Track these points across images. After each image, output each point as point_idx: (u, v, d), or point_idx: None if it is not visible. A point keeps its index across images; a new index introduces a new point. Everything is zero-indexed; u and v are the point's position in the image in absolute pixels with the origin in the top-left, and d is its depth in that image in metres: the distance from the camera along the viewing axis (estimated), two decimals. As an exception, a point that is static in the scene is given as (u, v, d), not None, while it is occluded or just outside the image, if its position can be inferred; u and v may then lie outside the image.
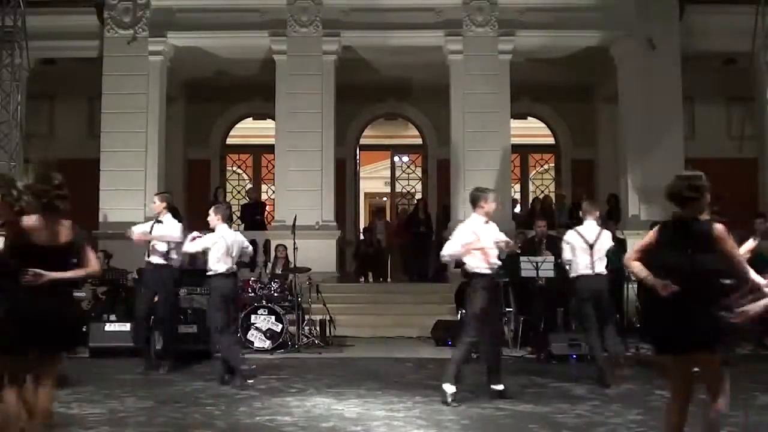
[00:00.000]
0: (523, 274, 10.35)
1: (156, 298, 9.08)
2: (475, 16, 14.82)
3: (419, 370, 9.24)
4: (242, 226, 16.05)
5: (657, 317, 4.46)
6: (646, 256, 4.62)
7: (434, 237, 16.50)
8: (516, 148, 16.47)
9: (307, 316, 11.51)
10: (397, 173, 19.02)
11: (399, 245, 16.71)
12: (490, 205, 7.41)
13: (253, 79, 16.24)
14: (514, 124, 15.85)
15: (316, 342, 11.28)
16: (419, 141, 18.43)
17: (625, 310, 11.12)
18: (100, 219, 14.31)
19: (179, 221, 16.23)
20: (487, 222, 7.42)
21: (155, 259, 9.10)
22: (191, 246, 8.56)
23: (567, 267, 8.65)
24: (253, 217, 15.90)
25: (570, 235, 8.59)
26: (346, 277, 16.15)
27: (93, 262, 4.86)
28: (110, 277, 11.59)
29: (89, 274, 4.97)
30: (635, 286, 11.36)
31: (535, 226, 11.44)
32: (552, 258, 10.30)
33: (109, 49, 14.73)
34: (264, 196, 17.96)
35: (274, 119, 15.47)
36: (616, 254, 10.49)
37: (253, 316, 10.84)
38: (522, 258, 10.45)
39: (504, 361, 9.79)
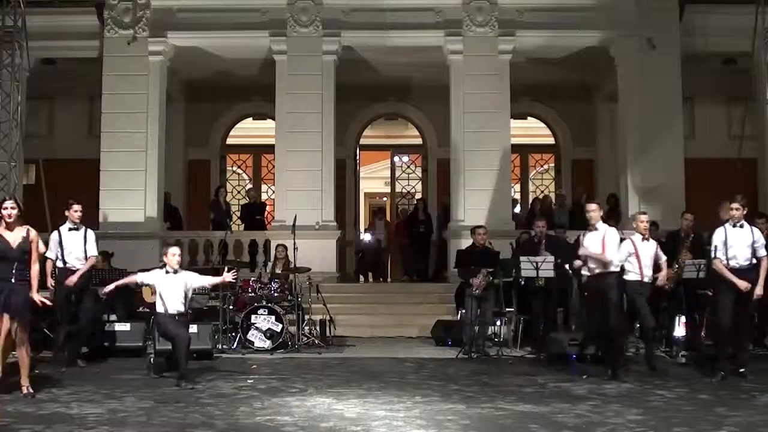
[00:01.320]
0: (523, 274, 10.35)
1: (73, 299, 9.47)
2: (475, 16, 14.82)
3: (419, 370, 9.24)
4: (242, 226, 16.06)
5: None
6: None
7: (434, 237, 16.53)
8: (516, 148, 16.47)
9: (307, 316, 11.51)
10: (397, 173, 19.01)
11: (399, 245, 16.71)
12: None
13: (253, 79, 16.24)
14: (514, 124, 15.85)
15: (316, 342, 11.27)
16: (419, 141, 18.43)
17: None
18: (100, 219, 14.30)
19: (179, 221, 16.36)
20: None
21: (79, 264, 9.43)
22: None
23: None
24: (253, 217, 15.89)
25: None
26: (346, 277, 16.16)
27: None
28: (111, 278, 11.57)
29: None
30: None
31: (534, 226, 11.43)
32: (552, 258, 10.29)
33: (109, 49, 14.74)
34: (264, 196, 17.95)
35: (274, 119, 15.46)
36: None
37: (253, 316, 10.83)
38: (522, 258, 10.45)
39: (504, 361, 9.90)
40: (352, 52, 15.24)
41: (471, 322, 10.49)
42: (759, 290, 8.20)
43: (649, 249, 9.19)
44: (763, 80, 14.41)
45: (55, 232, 9.45)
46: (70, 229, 9.48)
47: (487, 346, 10.48)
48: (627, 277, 8.97)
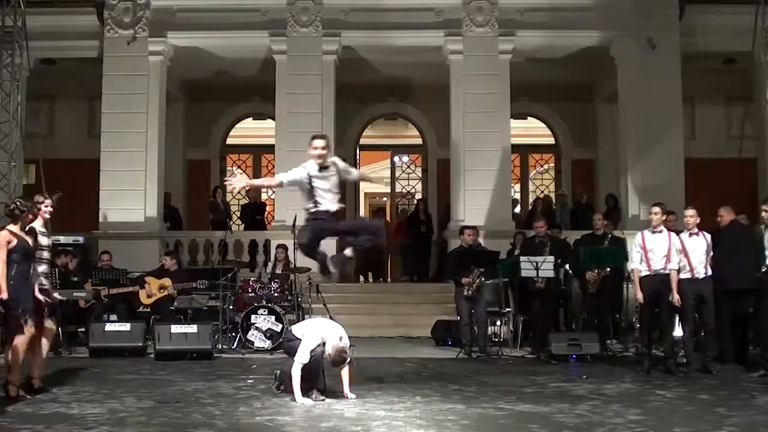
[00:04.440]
0: (523, 274, 10.34)
1: None
2: (475, 16, 14.82)
3: (419, 370, 9.23)
4: (242, 226, 16.05)
5: None
6: None
7: (435, 237, 16.50)
8: (516, 148, 16.47)
9: (307, 316, 11.49)
10: (397, 173, 19.01)
11: (399, 245, 16.69)
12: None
13: (253, 79, 16.24)
14: (514, 124, 15.85)
15: (316, 342, 11.24)
16: (419, 141, 18.42)
17: (625, 309, 11.11)
18: (100, 219, 14.32)
19: (179, 221, 16.31)
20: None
21: None
22: None
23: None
24: (253, 217, 15.88)
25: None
26: (346, 277, 16.12)
27: None
28: (111, 277, 11.59)
29: None
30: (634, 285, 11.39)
31: (534, 226, 11.41)
32: (552, 258, 10.28)
33: (109, 49, 14.74)
34: (264, 196, 17.93)
35: (274, 119, 15.47)
36: (614, 254, 10.55)
37: (253, 316, 10.83)
38: (522, 258, 10.44)
39: (504, 361, 9.90)
40: (352, 52, 15.24)
41: (466, 324, 10.47)
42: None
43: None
44: (763, 80, 14.41)
45: None
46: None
47: (488, 346, 10.46)
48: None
